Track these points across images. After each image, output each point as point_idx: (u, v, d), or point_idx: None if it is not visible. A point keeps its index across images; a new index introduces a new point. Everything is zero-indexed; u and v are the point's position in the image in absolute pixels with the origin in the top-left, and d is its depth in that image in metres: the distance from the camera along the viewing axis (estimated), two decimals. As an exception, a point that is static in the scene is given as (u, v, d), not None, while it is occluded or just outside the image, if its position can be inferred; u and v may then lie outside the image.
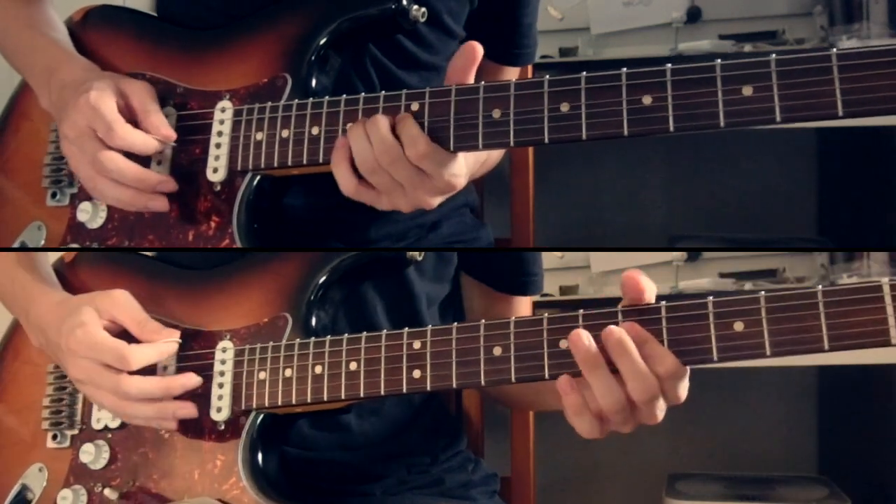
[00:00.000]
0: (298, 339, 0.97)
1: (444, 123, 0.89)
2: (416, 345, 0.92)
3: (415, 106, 0.90)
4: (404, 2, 0.98)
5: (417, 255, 1.01)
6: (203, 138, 0.99)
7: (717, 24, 1.83)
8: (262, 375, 0.97)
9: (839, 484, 1.82)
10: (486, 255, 1.19)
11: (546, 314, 0.88)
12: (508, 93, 0.87)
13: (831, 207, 2.09)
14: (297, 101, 0.96)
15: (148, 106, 0.98)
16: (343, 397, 0.94)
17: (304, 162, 0.95)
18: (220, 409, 0.98)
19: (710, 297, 0.83)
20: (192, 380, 0.98)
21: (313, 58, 0.99)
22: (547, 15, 1.83)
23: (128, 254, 1.08)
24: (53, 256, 1.13)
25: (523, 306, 1.22)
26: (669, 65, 0.83)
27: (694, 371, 0.85)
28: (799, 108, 0.78)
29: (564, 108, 0.85)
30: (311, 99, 0.95)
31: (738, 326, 0.82)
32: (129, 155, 0.96)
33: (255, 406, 0.98)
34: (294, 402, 0.96)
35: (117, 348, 0.95)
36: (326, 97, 0.95)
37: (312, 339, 0.97)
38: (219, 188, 0.99)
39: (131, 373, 0.96)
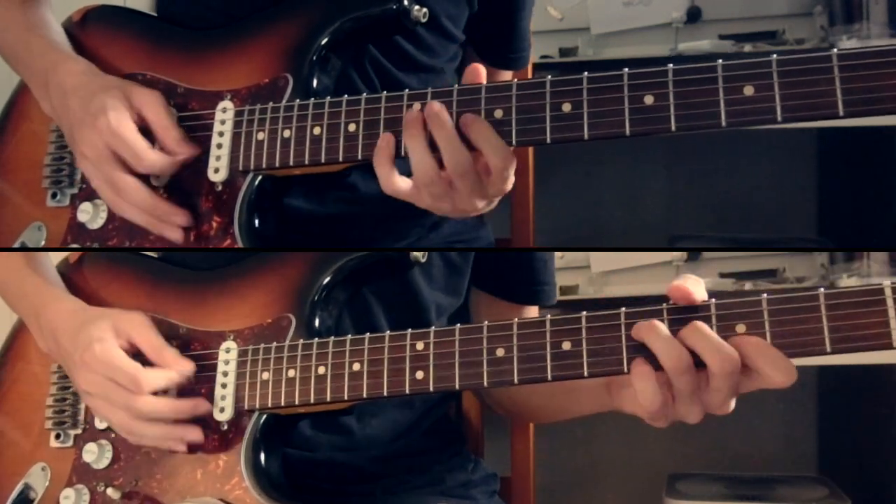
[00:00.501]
0: (302, 340, 0.97)
1: (447, 124, 0.89)
2: (420, 346, 0.92)
3: (417, 107, 0.90)
4: (406, 2, 0.98)
5: (421, 257, 1.01)
6: (204, 138, 0.99)
7: (717, 24, 1.83)
8: (266, 376, 0.97)
9: (839, 484, 1.82)
10: (496, 265, 1.18)
11: (549, 316, 0.88)
12: (510, 93, 0.87)
13: (831, 207, 2.09)
14: (298, 101, 0.96)
15: (164, 121, 0.97)
16: (346, 398, 0.94)
17: (306, 162, 0.95)
18: (224, 410, 0.98)
19: (713, 300, 0.84)
20: (201, 407, 0.98)
21: (315, 58, 0.99)
22: (547, 15, 1.83)
23: (131, 254, 1.08)
24: (55, 257, 1.13)
25: (531, 315, 1.22)
26: (671, 65, 0.83)
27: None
28: (800, 107, 0.78)
29: (566, 107, 0.85)
30: (312, 99, 0.95)
31: (741, 329, 0.82)
32: None
33: (258, 406, 0.97)
34: (297, 402, 0.96)
35: (132, 371, 0.96)
36: (328, 97, 0.95)
37: (316, 339, 0.97)
38: (220, 188, 0.99)
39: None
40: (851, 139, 1.98)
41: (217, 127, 0.99)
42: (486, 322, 0.90)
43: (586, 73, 0.85)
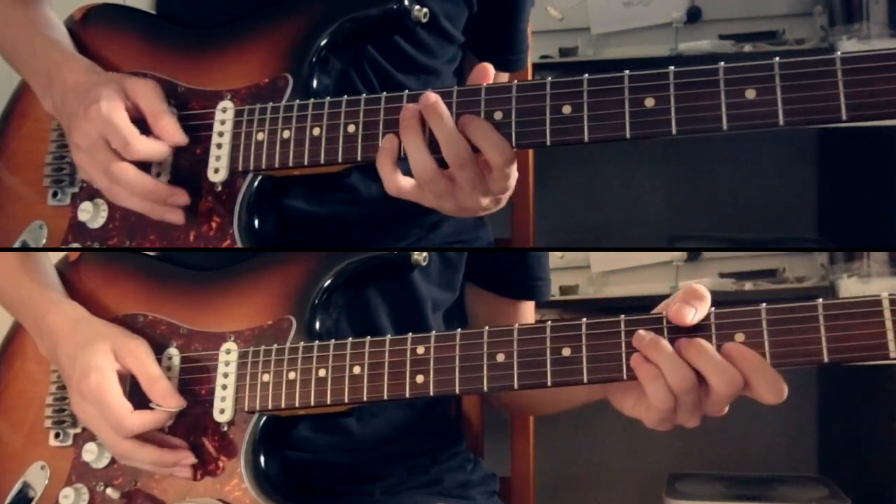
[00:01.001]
0: (302, 342, 0.97)
1: (447, 125, 0.89)
2: (420, 350, 0.92)
3: (412, 104, 0.90)
4: (406, 2, 0.98)
5: (422, 260, 1.01)
6: (204, 138, 0.99)
7: (717, 24, 1.83)
8: (266, 378, 0.97)
9: (839, 484, 1.82)
10: (492, 261, 1.18)
11: (549, 322, 0.88)
12: (510, 94, 0.87)
13: (831, 207, 2.09)
14: (298, 101, 0.96)
15: (157, 108, 0.97)
16: (346, 401, 0.94)
17: (306, 163, 0.95)
18: (224, 411, 0.98)
19: (713, 309, 0.84)
20: (186, 459, 0.98)
21: (315, 58, 0.99)
22: (547, 15, 1.83)
23: (131, 254, 1.08)
24: (55, 255, 1.13)
25: (527, 311, 1.22)
26: (672, 67, 0.82)
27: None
28: (802, 111, 0.78)
29: (566, 110, 0.85)
30: (312, 99, 0.95)
31: (740, 338, 0.82)
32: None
33: (258, 408, 0.97)
34: (297, 404, 0.96)
35: (118, 413, 0.96)
36: (328, 98, 0.95)
37: (316, 342, 0.97)
38: (220, 188, 0.98)
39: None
40: (851, 139, 1.98)
41: (217, 127, 0.99)
42: (487, 327, 0.90)
43: (587, 76, 0.85)
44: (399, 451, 1.10)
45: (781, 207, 2.09)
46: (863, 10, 1.78)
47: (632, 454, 2.03)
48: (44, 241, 1.06)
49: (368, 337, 0.95)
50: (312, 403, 0.95)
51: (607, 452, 2.05)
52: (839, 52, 0.78)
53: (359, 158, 0.92)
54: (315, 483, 1.06)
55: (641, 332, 0.84)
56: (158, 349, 1.02)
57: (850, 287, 1.78)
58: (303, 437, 1.05)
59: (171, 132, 0.97)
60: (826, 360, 0.80)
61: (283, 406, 0.96)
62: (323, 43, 0.99)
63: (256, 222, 0.98)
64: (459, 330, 0.91)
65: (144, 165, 0.97)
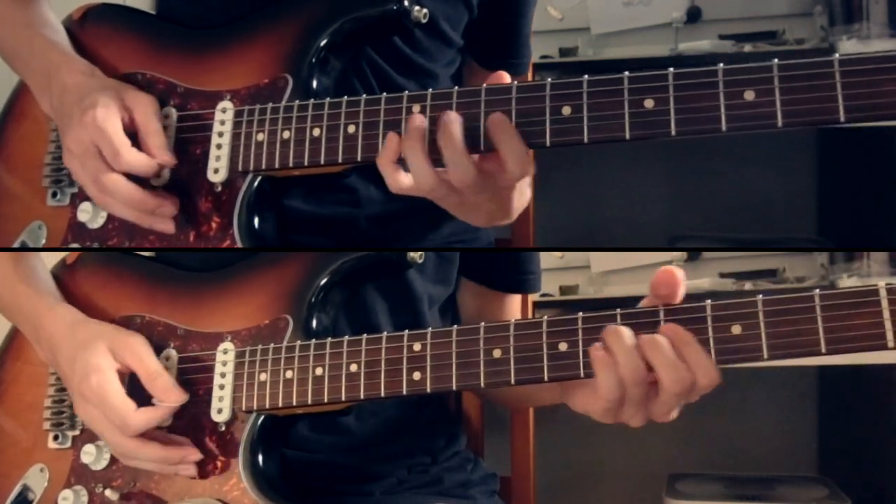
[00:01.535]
0: (299, 341, 0.97)
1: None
2: (417, 347, 0.92)
3: (416, 108, 0.90)
4: (406, 2, 0.98)
5: (418, 258, 1.01)
6: (204, 138, 0.99)
7: (717, 24, 1.83)
8: (263, 377, 0.97)
9: (839, 484, 1.82)
10: (484, 257, 1.19)
11: (545, 317, 0.88)
12: (510, 95, 0.87)
13: (831, 207, 2.09)
14: (298, 101, 0.96)
15: (150, 126, 0.97)
16: (343, 399, 0.94)
17: (305, 163, 0.95)
18: (221, 411, 0.98)
19: (709, 301, 0.84)
20: (192, 455, 0.98)
21: (314, 59, 0.99)
22: (547, 15, 1.83)
23: (128, 255, 1.08)
24: (53, 257, 1.13)
25: (517, 305, 1.23)
26: (672, 68, 0.83)
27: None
28: (801, 113, 0.78)
29: (566, 111, 0.85)
30: (312, 100, 0.95)
31: (736, 330, 0.82)
32: None
33: (255, 407, 0.97)
34: (294, 403, 0.96)
35: (122, 412, 0.96)
36: (328, 98, 0.95)
37: (313, 340, 0.97)
38: (220, 189, 0.99)
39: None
40: (851, 139, 1.98)
41: (217, 127, 0.99)
42: (483, 323, 0.90)
43: (586, 77, 0.85)
44: (399, 450, 1.11)
45: (781, 207, 2.09)
46: (863, 10, 1.78)
47: (632, 454, 2.03)
48: (43, 241, 1.06)
49: (365, 335, 0.95)
50: (310, 402, 0.95)
51: (607, 452, 2.05)
52: (837, 55, 0.78)
53: (359, 159, 0.92)
54: (314, 483, 1.06)
55: (611, 326, 0.85)
56: (156, 350, 1.02)
57: (850, 287, 1.78)
58: (301, 437, 1.05)
59: (160, 152, 0.97)
60: (824, 350, 0.80)
61: (280, 405, 0.96)
62: (323, 43, 0.99)
63: (256, 222, 0.98)
64: (456, 326, 0.92)
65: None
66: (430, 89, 0.91)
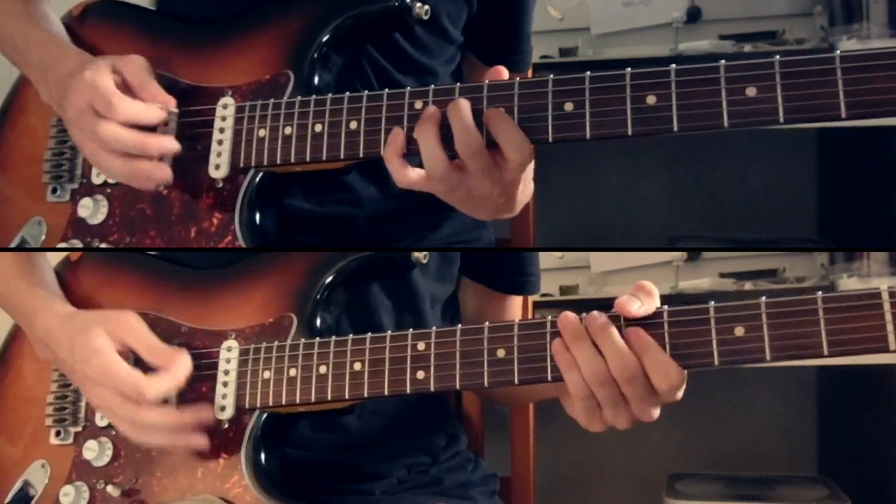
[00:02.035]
0: (303, 340, 0.97)
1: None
2: (421, 346, 0.92)
3: (418, 104, 0.90)
4: (407, -1, 0.98)
5: (423, 259, 1.01)
6: (205, 134, 0.99)
7: (717, 24, 1.83)
8: (267, 375, 0.97)
9: (839, 484, 1.82)
10: (485, 257, 1.19)
11: (549, 317, 0.88)
12: (512, 91, 0.87)
13: (831, 207, 2.09)
14: (299, 98, 0.96)
15: (143, 77, 0.98)
16: (347, 397, 0.94)
17: (307, 159, 0.95)
18: (224, 408, 0.98)
19: (712, 303, 0.84)
20: (205, 414, 0.98)
21: (316, 55, 0.99)
22: (547, 15, 1.83)
23: (131, 253, 1.08)
24: (55, 256, 1.12)
25: (517, 305, 1.23)
26: (674, 65, 0.83)
27: (694, 371, 0.86)
28: (802, 109, 0.79)
29: (568, 107, 0.85)
30: (313, 96, 0.95)
31: (739, 331, 0.82)
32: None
33: (258, 405, 0.98)
34: (298, 401, 0.96)
35: (134, 382, 0.96)
36: (329, 94, 0.95)
37: (317, 339, 0.97)
38: (221, 185, 0.99)
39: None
40: (851, 139, 1.98)
41: (218, 123, 0.99)
42: (488, 323, 0.90)
43: (588, 73, 0.85)
44: (399, 450, 1.10)
45: (781, 207, 2.09)
46: (863, 10, 1.78)
47: (632, 454, 2.02)
48: (43, 237, 1.06)
49: (369, 333, 0.95)
50: (313, 400, 0.95)
51: (607, 452, 2.05)
52: (839, 51, 0.78)
53: (361, 155, 0.92)
54: (314, 482, 1.06)
55: (567, 315, 0.86)
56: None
57: (851, 287, 1.78)
58: (302, 436, 1.05)
59: (158, 96, 0.97)
60: (826, 353, 0.80)
61: (283, 403, 0.96)
62: (325, 39, 0.99)
63: (257, 219, 0.98)
64: (460, 326, 0.92)
65: None
66: (432, 86, 0.91)
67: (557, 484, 2.03)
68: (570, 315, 0.86)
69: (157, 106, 0.97)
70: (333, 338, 0.96)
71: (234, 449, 0.98)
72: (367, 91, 0.93)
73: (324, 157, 0.93)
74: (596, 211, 2.11)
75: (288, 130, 0.95)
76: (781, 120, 0.79)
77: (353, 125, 0.92)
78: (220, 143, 0.98)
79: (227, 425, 0.99)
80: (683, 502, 1.77)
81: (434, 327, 0.93)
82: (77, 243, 1.05)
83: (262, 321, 1.01)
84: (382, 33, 1.04)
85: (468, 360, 0.90)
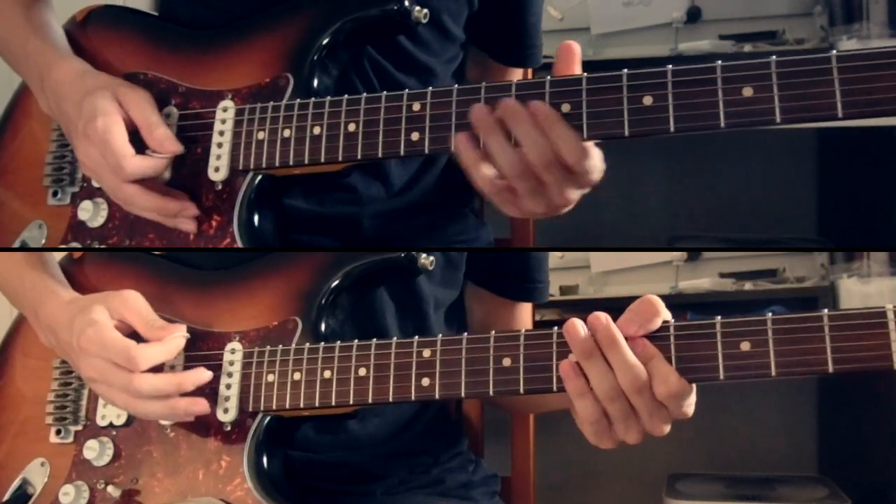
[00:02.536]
0: (308, 344, 0.97)
1: (447, 123, 0.89)
2: (426, 353, 0.92)
3: (416, 106, 0.90)
4: (406, 3, 0.98)
5: (429, 265, 1.01)
6: (205, 137, 1.00)
7: (717, 24, 1.83)
8: (271, 378, 0.97)
9: (839, 484, 1.82)
10: (491, 261, 1.18)
11: (555, 328, 0.88)
12: (510, 93, 0.87)
13: (831, 207, 2.09)
14: (298, 100, 0.96)
15: (150, 118, 0.98)
16: (351, 402, 0.94)
17: (306, 161, 0.95)
18: (227, 410, 0.98)
19: (719, 318, 0.84)
20: (202, 375, 0.98)
21: (315, 58, 0.99)
22: (547, 15, 1.83)
23: (136, 252, 1.08)
24: (59, 254, 1.13)
25: (526, 313, 1.22)
26: (670, 65, 0.83)
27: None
28: (799, 109, 0.79)
29: (565, 108, 0.85)
30: (313, 99, 0.96)
31: (745, 346, 0.82)
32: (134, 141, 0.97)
33: (262, 408, 0.97)
34: (302, 405, 0.96)
35: (126, 348, 0.95)
36: (328, 97, 0.95)
37: (322, 343, 0.97)
38: (220, 187, 0.99)
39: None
40: (851, 139, 1.98)
41: (217, 126, 0.99)
42: (494, 332, 0.90)
43: (585, 74, 0.85)
44: (400, 450, 1.10)
45: (781, 207, 2.09)
46: (863, 10, 1.79)
47: (632, 454, 2.02)
48: (43, 240, 1.07)
49: (374, 339, 0.95)
50: (317, 405, 0.95)
51: (607, 452, 2.04)
52: (835, 51, 0.78)
53: (359, 157, 0.93)
54: (317, 483, 1.06)
55: (575, 326, 0.85)
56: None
57: (850, 287, 1.78)
58: (305, 438, 1.05)
59: (166, 143, 0.97)
60: (831, 370, 0.80)
61: (287, 407, 0.96)
62: (324, 43, 0.99)
63: (256, 221, 0.99)
64: (466, 334, 0.91)
65: None
66: (431, 87, 0.91)
67: (557, 484, 2.03)
68: (577, 324, 0.85)
69: (164, 155, 0.98)
70: (338, 343, 0.96)
71: (236, 452, 0.98)
72: (366, 93, 0.94)
73: (322, 160, 0.94)
74: (596, 211, 2.11)
75: (287, 133, 0.96)
76: (778, 120, 0.79)
77: (352, 127, 0.93)
78: (219, 145, 0.98)
79: (229, 428, 0.99)
80: (683, 502, 1.77)
81: (437, 333, 0.93)
82: (77, 246, 1.05)
83: (267, 324, 1.01)
84: (381, 37, 1.04)
85: (473, 369, 0.90)
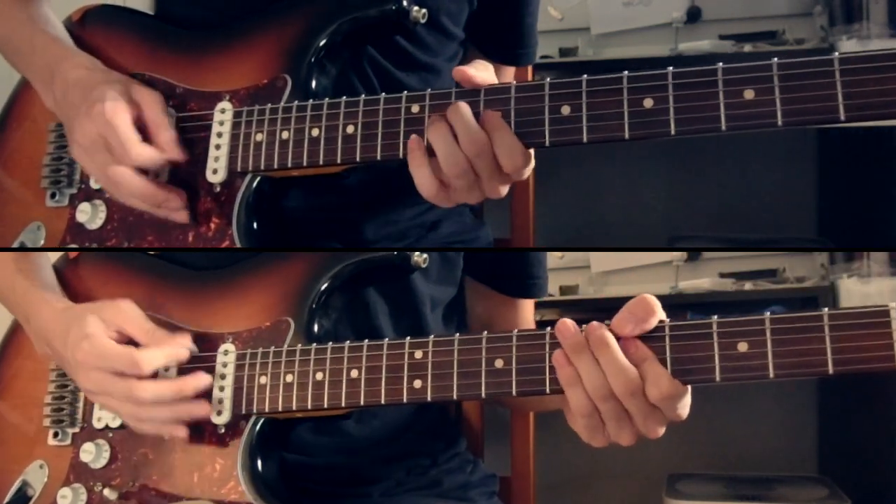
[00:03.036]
0: (300, 345, 0.97)
1: (445, 125, 0.89)
2: (418, 354, 0.91)
3: (415, 108, 0.90)
4: (404, 3, 0.98)
5: (422, 263, 1.00)
6: (203, 139, 0.99)
7: (717, 24, 1.83)
8: (263, 380, 0.97)
9: (839, 484, 1.82)
10: (491, 258, 1.18)
11: (548, 328, 0.87)
12: (509, 95, 0.87)
13: (831, 207, 2.09)
14: (297, 102, 0.96)
15: (160, 120, 0.98)
16: (343, 405, 0.94)
17: (304, 163, 0.95)
18: (221, 413, 0.98)
19: (715, 317, 0.83)
20: (203, 380, 0.98)
21: (313, 59, 0.99)
22: (547, 15, 1.83)
23: (131, 253, 1.08)
24: (54, 254, 1.13)
25: (527, 309, 1.22)
26: (671, 68, 0.82)
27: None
28: (800, 111, 0.78)
29: (565, 110, 0.85)
30: (310, 100, 0.95)
31: (743, 347, 0.81)
32: None
33: (255, 410, 0.97)
34: (294, 407, 0.95)
35: (128, 354, 0.95)
36: (326, 99, 0.95)
37: (314, 345, 0.96)
38: (218, 189, 0.99)
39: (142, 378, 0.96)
40: (851, 139, 1.97)
41: (215, 128, 0.99)
42: (486, 333, 0.90)
43: (585, 76, 0.85)
44: (398, 452, 1.10)
45: (781, 207, 2.09)
46: (863, 10, 1.78)
47: (632, 454, 2.02)
48: (42, 242, 1.07)
49: (366, 340, 0.94)
50: (309, 407, 0.95)
51: (607, 452, 2.04)
52: (837, 53, 0.78)
53: (358, 159, 0.92)
54: (312, 485, 1.06)
55: (566, 323, 0.85)
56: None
57: (850, 287, 1.78)
58: (301, 440, 1.05)
59: (171, 148, 0.97)
60: (831, 371, 0.78)
61: (280, 409, 0.96)
62: (322, 44, 0.99)
63: (255, 223, 0.98)
64: (458, 335, 0.91)
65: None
66: (430, 89, 0.91)
67: (557, 484, 2.03)
68: (568, 323, 0.85)
69: (166, 157, 0.98)
70: (330, 344, 0.95)
71: (230, 454, 0.97)
72: (364, 94, 0.93)
73: (320, 162, 0.93)
74: (596, 211, 2.11)
75: (285, 135, 0.95)
76: (780, 123, 0.79)
77: (350, 129, 0.92)
78: (217, 147, 0.98)
79: (223, 430, 0.98)
80: (683, 502, 1.77)
81: (433, 331, 0.93)
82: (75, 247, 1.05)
83: (260, 325, 1.00)
84: (380, 37, 1.04)
85: (466, 370, 0.89)
